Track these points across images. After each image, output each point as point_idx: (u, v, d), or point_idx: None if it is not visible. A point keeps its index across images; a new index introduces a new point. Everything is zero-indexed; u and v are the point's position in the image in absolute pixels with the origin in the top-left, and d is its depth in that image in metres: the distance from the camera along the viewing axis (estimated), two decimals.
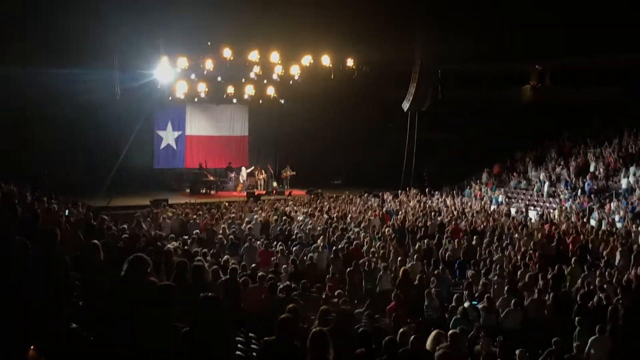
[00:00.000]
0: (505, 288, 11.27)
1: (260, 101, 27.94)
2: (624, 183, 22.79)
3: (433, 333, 7.84)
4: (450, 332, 7.60)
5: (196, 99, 27.16)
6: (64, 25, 19.67)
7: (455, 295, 11.38)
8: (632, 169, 23.14)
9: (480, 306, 10.61)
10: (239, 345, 7.21)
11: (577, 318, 9.59)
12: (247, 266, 11.62)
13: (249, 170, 28.43)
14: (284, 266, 12.71)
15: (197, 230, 16.15)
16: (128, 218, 17.34)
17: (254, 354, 6.98)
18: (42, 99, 22.54)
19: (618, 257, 14.58)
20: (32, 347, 4.13)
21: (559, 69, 31.97)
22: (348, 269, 12.53)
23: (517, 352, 7.19)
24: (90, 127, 24.09)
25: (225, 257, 12.85)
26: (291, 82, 26.34)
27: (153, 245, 10.66)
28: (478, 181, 28.72)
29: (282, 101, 28.21)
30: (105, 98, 23.09)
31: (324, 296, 10.07)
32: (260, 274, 10.61)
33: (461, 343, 7.45)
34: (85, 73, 21.28)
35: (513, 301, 10.40)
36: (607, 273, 12.74)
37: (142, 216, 17.52)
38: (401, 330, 7.61)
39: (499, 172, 28.90)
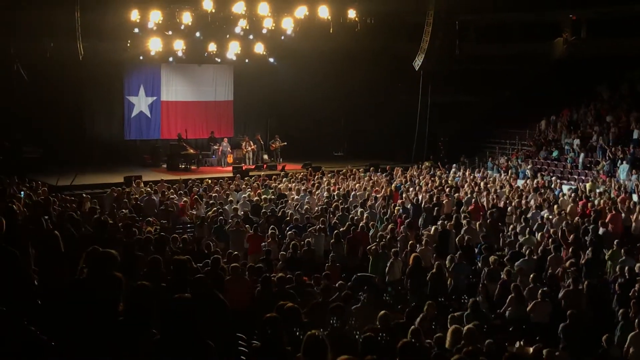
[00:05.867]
0: (531, 276, 11.32)
1: (247, 60, 27.71)
2: None
3: (450, 329, 7.98)
4: (466, 328, 7.69)
5: (172, 59, 26.91)
6: None
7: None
8: None
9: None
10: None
11: (621, 310, 9.64)
12: (232, 254, 11.65)
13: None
14: (281, 253, 12.80)
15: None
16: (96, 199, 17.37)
17: (243, 357, 7.04)
18: None
19: None
20: None
21: (597, 19, 31.67)
22: None
23: (544, 352, 7.26)
24: (49, 93, 23.95)
25: (207, 242, 12.96)
26: (283, 37, 26.08)
27: (126, 233, 10.65)
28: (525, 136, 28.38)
29: (272, 60, 28.00)
30: (67, 59, 22.85)
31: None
32: (243, 262, 10.64)
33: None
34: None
35: (540, 291, 10.45)
36: None
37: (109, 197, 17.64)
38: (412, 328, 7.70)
39: (569, 117, 28.69)
